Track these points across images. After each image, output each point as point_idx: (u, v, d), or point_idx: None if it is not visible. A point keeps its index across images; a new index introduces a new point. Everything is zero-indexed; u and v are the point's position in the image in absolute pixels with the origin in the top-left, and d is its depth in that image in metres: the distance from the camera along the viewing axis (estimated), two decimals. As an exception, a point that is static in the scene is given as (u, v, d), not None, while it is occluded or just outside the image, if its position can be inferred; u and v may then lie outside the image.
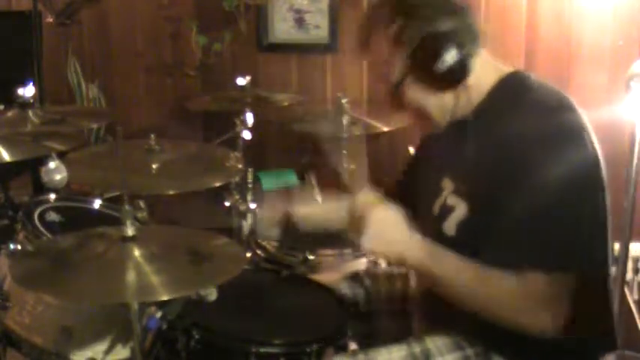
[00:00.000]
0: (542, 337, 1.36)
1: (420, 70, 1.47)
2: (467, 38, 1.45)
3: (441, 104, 1.52)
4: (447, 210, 1.51)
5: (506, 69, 1.54)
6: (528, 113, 1.43)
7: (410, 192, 1.72)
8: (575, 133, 1.41)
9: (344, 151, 2.78)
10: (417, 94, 1.51)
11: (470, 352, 1.51)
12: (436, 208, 1.55)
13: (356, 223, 1.48)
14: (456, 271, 1.41)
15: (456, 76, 1.46)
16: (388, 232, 1.46)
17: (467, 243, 1.43)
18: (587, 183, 1.40)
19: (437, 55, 1.42)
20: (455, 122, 1.54)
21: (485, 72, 1.50)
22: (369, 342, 1.72)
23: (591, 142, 1.41)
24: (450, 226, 1.49)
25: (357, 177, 2.02)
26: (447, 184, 1.54)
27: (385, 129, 2.70)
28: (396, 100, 1.54)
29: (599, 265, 1.41)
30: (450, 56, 1.42)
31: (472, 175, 1.47)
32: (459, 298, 1.42)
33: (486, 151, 1.45)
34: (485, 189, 1.42)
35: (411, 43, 1.45)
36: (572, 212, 1.37)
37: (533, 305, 1.36)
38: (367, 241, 1.45)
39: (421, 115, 1.55)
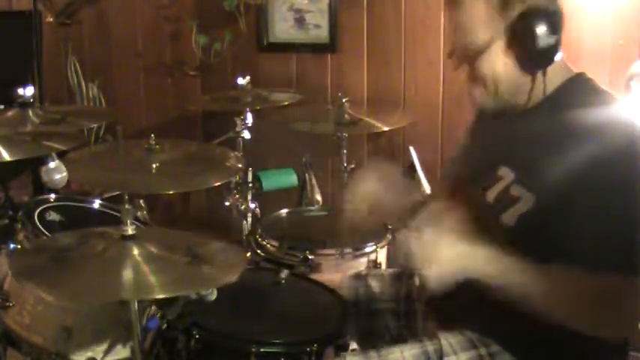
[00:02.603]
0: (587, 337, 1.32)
1: (516, 41, 1.44)
2: (561, 25, 1.44)
3: (515, 83, 1.48)
4: (509, 200, 1.45)
5: (574, 69, 1.52)
6: (599, 112, 1.42)
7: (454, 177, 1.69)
8: None
9: (344, 151, 2.79)
10: (499, 65, 1.46)
11: (483, 351, 1.50)
12: (490, 196, 1.50)
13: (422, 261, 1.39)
14: (528, 275, 1.35)
15: (547, 57, 1.44)
16: (443, 253, 1.38)
17: (527, 235, 1.39)
18: None
19: (538, 30, 1.41)
20: (512, 109, 1.52)
21: (558, 66, 1.48)
22: (370, 342, 1.72)
23: None
24: (510, 216, 1.44)
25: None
26: (506, 173, 1.49)
27: (385, 129, 2.71)
28: (469, 63, 1.50)
29: None
30: (548, 36, 1.41)
31: (539, 167, 1.43)
32: (530, 302, 1.33)
33: (556, 145, 1.41)
34: (557, 184, 1.38)
35: (518, 9, 1.42)
36: None
37: (605, 307, 1.31)
38: (433, 276, 1.36)
39: (479, 87, 1.50)
